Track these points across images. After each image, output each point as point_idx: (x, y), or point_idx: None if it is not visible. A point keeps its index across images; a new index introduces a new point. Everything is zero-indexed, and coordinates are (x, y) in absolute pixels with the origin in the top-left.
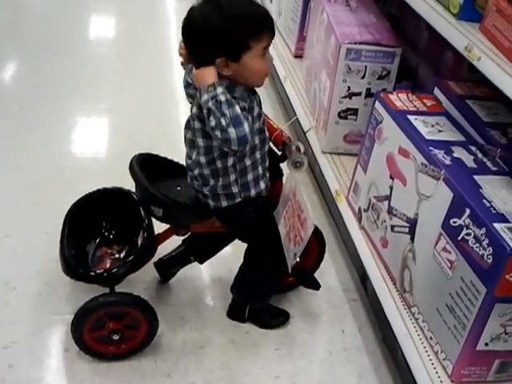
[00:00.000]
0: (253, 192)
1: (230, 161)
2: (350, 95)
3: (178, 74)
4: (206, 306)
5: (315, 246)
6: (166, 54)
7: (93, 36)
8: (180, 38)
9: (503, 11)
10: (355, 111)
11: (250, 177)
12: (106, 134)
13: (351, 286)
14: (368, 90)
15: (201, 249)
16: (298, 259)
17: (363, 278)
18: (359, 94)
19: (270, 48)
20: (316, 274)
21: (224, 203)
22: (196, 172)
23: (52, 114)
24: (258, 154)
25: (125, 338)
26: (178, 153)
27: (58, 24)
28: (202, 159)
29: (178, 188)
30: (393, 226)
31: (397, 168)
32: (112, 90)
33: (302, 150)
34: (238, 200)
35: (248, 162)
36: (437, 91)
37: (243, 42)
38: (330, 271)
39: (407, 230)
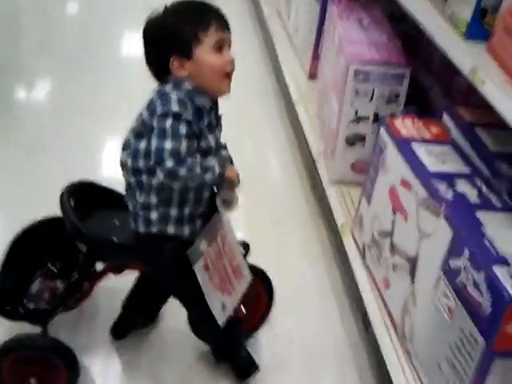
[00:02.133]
0: (171, 229)
1: (155, 181)
2: (358, 120)
3: None
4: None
5: (262, 296)
6: None
7: (124, 52)
8: None
9: (511, 29)
10: (363, 137)
11: (173, 212)
12: None
13: (354, 330)
14: (376, 114)
15: (140, 305)
16: (230, 312)
17: (365, 322)
18: (367, 118)
19: (285, 66)
20: (320, 315)
21: (141, 228)
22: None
23: (76, 131)
24: (191, 195)
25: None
26: None
27: (90, 40)
28: (129, 162)
29: (116, 222)
30: (394, 265)
31: (399, 201)
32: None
33: (236, 186)
34: (155, 230)
35: (175, 196)
36: (445, 117)
37: (191, 34)
38: (335, 313)
39: (408, 270)
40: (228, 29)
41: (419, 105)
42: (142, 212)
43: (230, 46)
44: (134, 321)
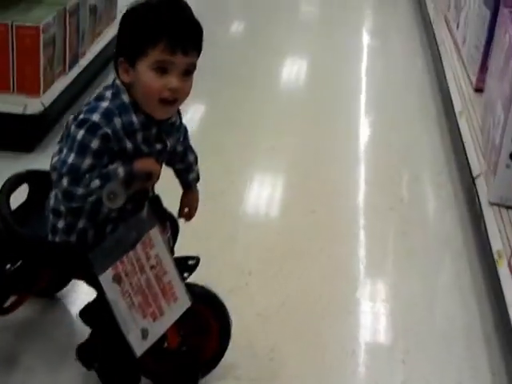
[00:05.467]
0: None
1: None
2: None
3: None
4: None
5: (214, 329)
6: (352, 98)
7: (285, 73)
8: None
9: None
10: None
11: (81, 223)
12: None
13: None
14: None
15: None
16: (152, 342)
17: None
18: None
19: (450, 77)
20: (465, 358)
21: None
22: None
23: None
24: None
25: None
26: None
27: (254, 61)
28: (53, 160)
29: None
30: None
31: None
32: (295, 134)
33: (148, 180)
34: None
35: (87, 207)
36: None
37: (139, 43)
38: (481, 356)
39: None
40: (186, 53)
41: None
42: (52, 218)
43: (188, 71)
44: None
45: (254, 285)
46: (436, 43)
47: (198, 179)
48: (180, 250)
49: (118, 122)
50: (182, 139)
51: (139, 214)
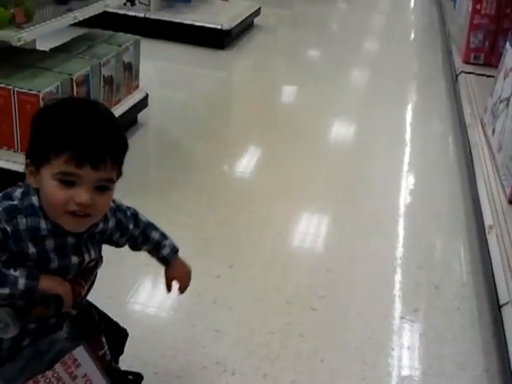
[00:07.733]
0: None
1: None
2: None
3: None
4: None
5: None
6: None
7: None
8: None
9: None
10: None
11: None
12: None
13: None
14: None
15: None
16: None
17: None
18: None
19: (481, 185)
20: None
21: None
22: None
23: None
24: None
25: None
26: None
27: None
28: None
29: None
30: None
31: None
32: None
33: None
34: None
35: None
36: None
37: (44, 149)
38: None
39: None
40: (97, 168)
41: None
42: None
43: (102, 187)
44: None
45: None
46: (469, 145)
47: (175, 251)
48: (163, 335)
49: (22, 222)
50: (131, 227)
51: (55, 335)
